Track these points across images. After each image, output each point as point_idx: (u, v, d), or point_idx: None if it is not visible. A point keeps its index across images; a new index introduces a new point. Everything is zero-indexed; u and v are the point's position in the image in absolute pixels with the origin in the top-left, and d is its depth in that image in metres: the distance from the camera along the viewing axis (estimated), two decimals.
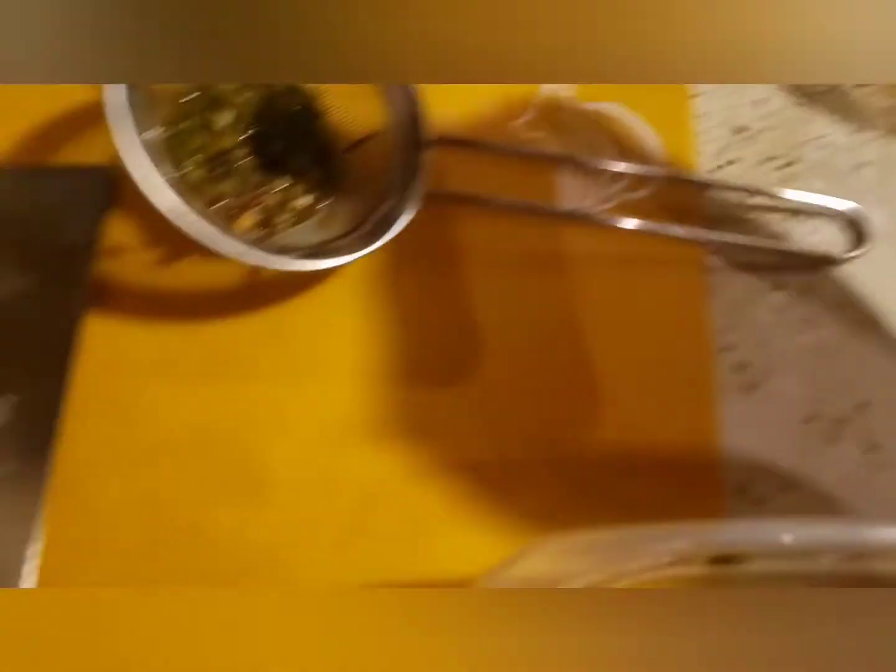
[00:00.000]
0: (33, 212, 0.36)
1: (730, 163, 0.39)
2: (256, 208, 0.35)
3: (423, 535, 0.32)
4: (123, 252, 0.36)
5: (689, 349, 0.35)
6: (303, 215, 0.36)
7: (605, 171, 0.38)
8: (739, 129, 0.40)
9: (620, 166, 0.38)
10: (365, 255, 0.33)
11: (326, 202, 0.36)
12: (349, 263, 0.33)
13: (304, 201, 0.36)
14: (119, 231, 0.36)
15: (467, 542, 0.32)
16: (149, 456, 0.33)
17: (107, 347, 0.34)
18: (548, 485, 0.33)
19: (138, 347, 0.35)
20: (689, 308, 0.36)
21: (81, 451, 0.32)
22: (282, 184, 0.36)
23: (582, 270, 0.37)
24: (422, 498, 0.32)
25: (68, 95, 0.39)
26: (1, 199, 0.36)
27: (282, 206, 0.36)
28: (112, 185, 0.37)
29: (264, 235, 0.35)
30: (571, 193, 0.38)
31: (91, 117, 0.38)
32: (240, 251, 0.30)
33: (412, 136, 0.35)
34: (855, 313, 0.36)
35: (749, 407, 0.34)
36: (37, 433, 0.32)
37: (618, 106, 0.40)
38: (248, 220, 0.35)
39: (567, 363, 0.35)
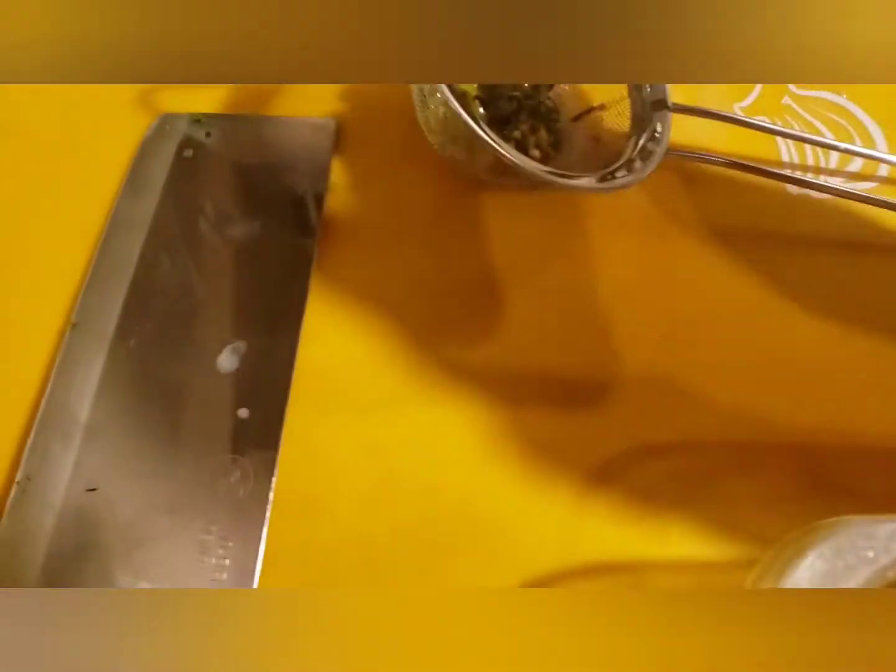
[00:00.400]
0: (267, 159, 0.35)
1: None
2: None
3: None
4: (348, 201, 0.35)
5: None
6: None
7: (831, 155, 0.37)
8: None
9: (847, 151, 0.37)
10: None
11: (555, 166, 0.36)
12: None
13: None
14: (343, 181, 0.36)
15: (700, 520, 0.30)
16: (378, 408, 0.32)
17: (334, 297, 0.34)
18: (781, 473, 0.31)
19: (363, 298, 0.34)
20: None
21: (311, 399, 0.31)
22: (512, 142, 0.35)
23: (809, 253, 0.36)
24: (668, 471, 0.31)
25: None
26: (237, 146, 0.36)
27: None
28: (337, 138, 0.37)
29: None
30: (798, 174, 0.37)
31: None
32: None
33: (650, 103, 0.35)
34: None
35: None
36: (269, 380, 0.31)
37: (836, 94, 0.39)
38: None
39: (796, 348, 0.34)
